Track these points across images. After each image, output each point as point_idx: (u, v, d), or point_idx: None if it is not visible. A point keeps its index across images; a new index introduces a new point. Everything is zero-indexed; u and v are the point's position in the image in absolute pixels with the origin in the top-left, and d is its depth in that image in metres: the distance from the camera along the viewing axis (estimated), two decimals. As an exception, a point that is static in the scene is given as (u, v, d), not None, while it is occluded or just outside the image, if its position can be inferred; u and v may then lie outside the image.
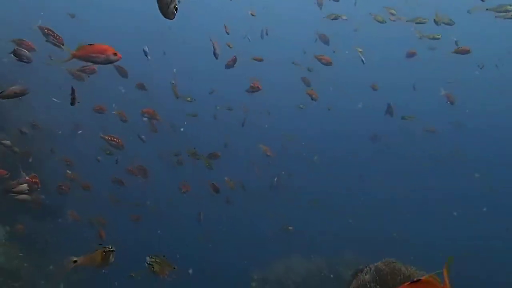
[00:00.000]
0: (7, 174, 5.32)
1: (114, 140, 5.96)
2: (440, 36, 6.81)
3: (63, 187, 6.74)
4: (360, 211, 15.85)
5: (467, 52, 6.35)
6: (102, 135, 6.02)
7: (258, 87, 5.77)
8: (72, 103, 3.94)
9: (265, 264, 10.52)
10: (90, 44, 2.60)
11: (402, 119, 8.56)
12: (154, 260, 3.30)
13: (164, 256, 3.35)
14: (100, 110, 6.90)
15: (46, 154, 8.98)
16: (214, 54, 5.93)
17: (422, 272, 2.82)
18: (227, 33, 7.97)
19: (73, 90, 3.88)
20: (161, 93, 11.02)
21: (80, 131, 11.47)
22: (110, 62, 2.68)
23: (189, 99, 7.85)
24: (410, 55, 8.77)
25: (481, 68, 10.63)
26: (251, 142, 12.38)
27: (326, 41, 8.42)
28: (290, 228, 9.04)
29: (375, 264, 2.87)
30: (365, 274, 2.83)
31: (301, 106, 8.34)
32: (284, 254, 10.74)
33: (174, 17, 2.27)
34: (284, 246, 11.17)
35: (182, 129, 11.52)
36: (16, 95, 3.85)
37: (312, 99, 6.69)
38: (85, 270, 8.58)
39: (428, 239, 13.87)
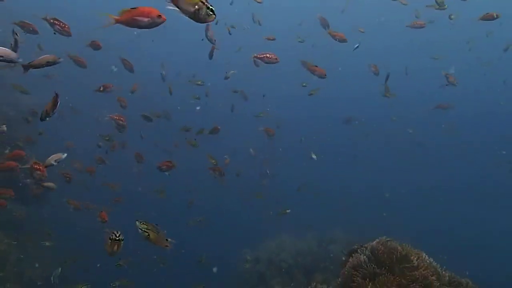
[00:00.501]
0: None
1: (121, 120, 6.08)
2: (446, 6, 6.31)
3: (68, 175, 6.50)
4: (352, 193, 16.04)
5: (493, 18, 5.95)
6: (110, 115, 6.11)
7: (275, 58, 5.35)
8: (43, 118, 3.72)
9: (257, 245, 10.62)
10: (133, 8, 2.47)
11: (384, 96, 8.49)
12: (146, 226, 3.04)
13: (157, 225, 3.10)
14: (106, 88, 6.61)
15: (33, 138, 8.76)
16: (207, 38, 5.55)
17: (418, 250, 2.84)
18: (230, 33, 7.72)
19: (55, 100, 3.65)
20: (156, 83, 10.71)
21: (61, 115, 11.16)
22: (155, 25, 2.51)
23: (199, 82, 7.73)
24: (416, 25, 7.80)
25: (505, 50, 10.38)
26: (246, 125, 12.25)
27: (326, 25, 7.97)
28: (287, 211, 9.05)
29: (371, 244, 2.86)
30: (361, 254, 2.82)
31: (304, 84, 7.93)
32: (276, 234, 10.84)
33: (213, 19, 2.20)
34: (275, 226, 11.26)
35: (198, 108, 11.15)
36: (48, 64, 3.77)
37: (314, 73, 5.97)
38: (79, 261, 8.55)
39: (420, 222, 14.14)
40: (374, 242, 2.84)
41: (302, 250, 10.15)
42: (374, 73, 7.86)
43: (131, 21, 2.46)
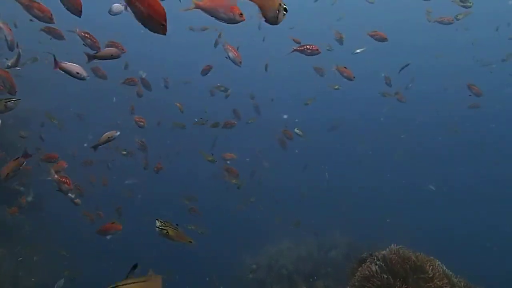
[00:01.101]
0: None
1: (142, 121, 6.38)
2: (471, 4, 5.91)
3: (80, 189, 6.45)
4: (351, 195, 15.96)
5: None
6: (136, 118, 6.48)
7: (317, 49, 4.95)
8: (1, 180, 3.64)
9: (257, 250, 10.48)
10: None
11: (383, 96, 8.37)
12: (164, 224, 2.94)
13: (177, 225, 2.99)
14: (132, 82, 6.74)
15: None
16: (231, 59, 5.32)
17: (431, 257, 2.70)
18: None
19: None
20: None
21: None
22: (234, 22, 2.41)
23: (223, 88, 7.64)
24: (444, 21, 7.24)
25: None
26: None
27: (341, 40, 7.69)
28: (299, 223, 9.00)
29: (382, 253, 2.72)
30: (371, 264, 2.68)
31: (336, 87, 7.54)
32: (276, 239, 10.71)
33: (285, 17, 2.22)
34: (275, 231, 11.14)
35: (285, 117, 10.78)
36: (112, 57, 3.95)
37: (343, 74, 5.61)
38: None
39: (417, 224, 14.03)
40: (386, 251, 2.70)
41: (302, 255, 9.99)
42: (386, 84, 7.73)
43: (211, 9, 2.40)
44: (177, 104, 7.92)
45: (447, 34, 13.64)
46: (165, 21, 2.01)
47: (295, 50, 5.03)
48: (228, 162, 7.54)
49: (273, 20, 2.20)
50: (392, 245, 2.93)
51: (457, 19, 6.52)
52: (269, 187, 14.33)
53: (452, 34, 12.70)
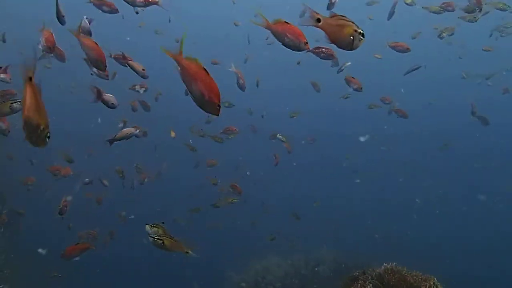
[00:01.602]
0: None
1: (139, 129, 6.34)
2: (476, 18, 5.59)
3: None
4: (341, 211, 15.90)
5: None
6: (136, 127, 6.39)
7: (331, 54, 4.87)
8: None
9: (243, 266, 10.27)
10: (287, 22, 2.43)
11: (369, 108, 8.43)
12: (157, 229, 2.64)
13: (163, 222, 2.73)
14: (142, 88, 6.64)
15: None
16: (238, 85, 5.26)
17: (427, 275, 2.61)
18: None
19: None
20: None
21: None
22: (298, 50, 2.45)
23: (227, 104, 7.58)
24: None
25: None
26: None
27: (336, 63, 7.59)
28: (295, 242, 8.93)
29: (376, 271, 2.62)
30: (365, 283, 2.57)
31: (346, 96, 7.48)
32: (262, 254, 10.51)
33: (363, 42, 2.21)
34: (262, 246, 10.95)
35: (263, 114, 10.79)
36: (137, 67, 4.11)
37: (350, 84, 5.47)
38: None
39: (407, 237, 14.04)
40: (382, 269, 2.60)
41: (290, 271, 9.80)
42: (384, 102, 7.78)
43: (279, 32, 2.44)
44: (172, 133, 7.85)
45: (435, 46, 13.92)
46: (220, 101, 1.99)
47: (310, 51, 4.90)
48: (209, 169, 7.53)
49: (347, 47, 2.20)
50: (384, 264, 2.84)
51: (441, 37, 6.41)
52: (259, 200, 14.14)
53: (441, 47, 12.94)
